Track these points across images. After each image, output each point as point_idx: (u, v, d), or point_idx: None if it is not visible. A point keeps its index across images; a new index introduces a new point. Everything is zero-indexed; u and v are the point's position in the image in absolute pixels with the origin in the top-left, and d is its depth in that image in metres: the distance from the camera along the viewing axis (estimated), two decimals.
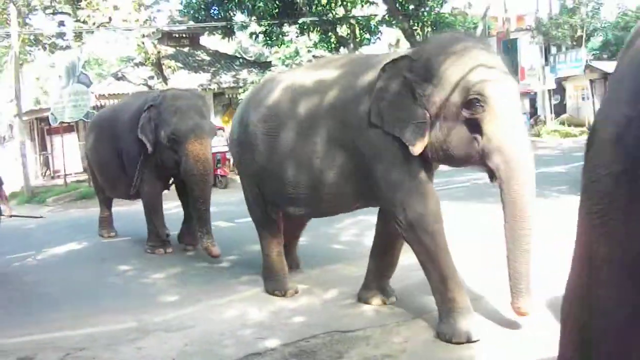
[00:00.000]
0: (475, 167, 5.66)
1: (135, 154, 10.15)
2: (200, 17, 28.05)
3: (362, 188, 6.23)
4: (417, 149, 5.54)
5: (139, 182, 10.38)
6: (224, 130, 22.64)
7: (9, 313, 7.65)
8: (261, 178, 7.17)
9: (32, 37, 27.19)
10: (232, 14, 28.66)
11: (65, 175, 23.83)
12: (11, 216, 10.16)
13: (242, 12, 28.66)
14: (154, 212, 10.46)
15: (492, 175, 5.35)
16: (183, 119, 9.47)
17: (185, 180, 9.62)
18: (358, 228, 10.32)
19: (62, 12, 27.35)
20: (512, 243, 5.26)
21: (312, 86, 6.63)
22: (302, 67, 7.91)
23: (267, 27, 27.98)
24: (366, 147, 5.96)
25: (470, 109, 5.22)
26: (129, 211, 14.26)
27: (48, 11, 27.13)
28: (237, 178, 10.28)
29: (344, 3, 28.60)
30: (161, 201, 10.62)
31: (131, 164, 10.36)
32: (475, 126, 5.27)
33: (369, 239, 8.10)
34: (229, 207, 13.38)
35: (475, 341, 5.45)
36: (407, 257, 7.11)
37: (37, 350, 6.23)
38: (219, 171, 19.87)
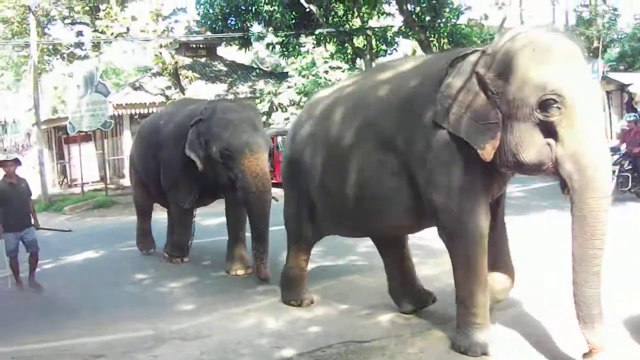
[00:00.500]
0: (549, 176, 5.16)
1: (174, 166, 9.75)
2: (217, 28, 28.19)
3: (416, 201, 5.73)
4: (487, 153, 5.07)
5: (173, 194, 10.08)
6: None
7: (27, 320, 7.71)
8: (314, 196, 6.79)
9: (50, 47, 27.43)
10: (249, 24, 28.80)
11: (83, 183, 23.98)
12: (39, 228, 9.82)
13: (259, 23, 28.79)
14: (182, 226, 10.25)
15: (565, 186, 4.86)
16: (236, 132, 8.83)
17: (242, 198, 8.87)
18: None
19: (80, 22, 27.61)
20: (580, 264, 4.76)
21: (365, 93, 6.27)
22: (353, 77, 7.39)
23: (284, 38, 28.04)
24: (424, 150, 5.48)
25: (545, 110, 4.72)
26: None
27: (67, 21, 27.41)
28: None
29: (361, 14, 28.65)
30: (192, 217, 10.43)
31: (167, 174, 10.08)
32: (550, 130, 4.78)
33: None
34: None
35: (489, 356, 5.43)
36: (419, 269, 7.14)
37: (55, 356, 6.30)
38: None
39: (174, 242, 10.35)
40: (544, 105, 4.71)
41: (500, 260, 5.80)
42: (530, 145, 4.87)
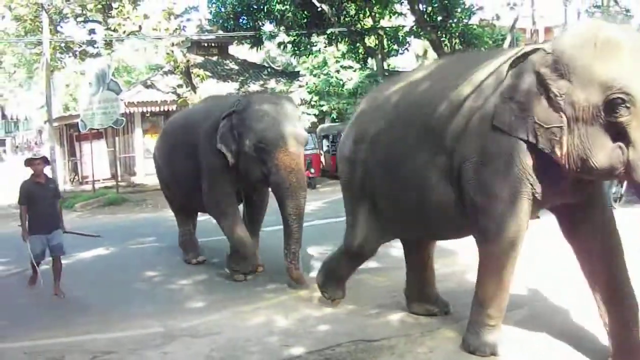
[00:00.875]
0: (622, 180, 4.92)
1: (217, 166, 8.93)
2: (229, 27, 28.19)
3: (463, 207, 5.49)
4: (556, 158, 4.77)
5: (217, 197, 9.20)
6: None
7: (38, 316, 7.77)
8: (376, 198, 6.37)
9: (63, 45, 27.53)
10: (260, 23, 28.78)
11: (94, 181, 24.05)
12: (65, 232, 9.16)
13: (271, 22, 28.77)
14: (236, 232, 9.09)
15: None
16: (272, 125, 8.40)
17: (276, 194, 8.50)
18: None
19: (93, 20, 27.72)
20: None
21: (428, 90, 5.87)
22: (414, 72, 6.79)
23: (296, 37, 28.02)
24: (481, 153, 5.21)
25: (613, 111, 4.39)
26: (158, 217, 14.37)
27: (79, 19, 27.50)
28: None
29: (372, 14, 28.58)
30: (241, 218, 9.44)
31: (211, 176, 9.20)
32: (619, 132, 4.44)
33: (395, 250, 8.14)
34: None
35: (498, 357, 5.42)
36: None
37: (65, 352, 6.35)
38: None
39: (235, 254, 9.16)
40: (611, 105, 4.40)
41: (618, 290, 5.19)
42: (600, 149, 4.54)
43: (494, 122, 5.06)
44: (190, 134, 9.59)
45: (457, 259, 8.78)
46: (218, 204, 9.24)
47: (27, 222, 8.69)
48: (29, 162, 8.81)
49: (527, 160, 4.98)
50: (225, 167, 8.78)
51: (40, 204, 8.72)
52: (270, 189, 8.92)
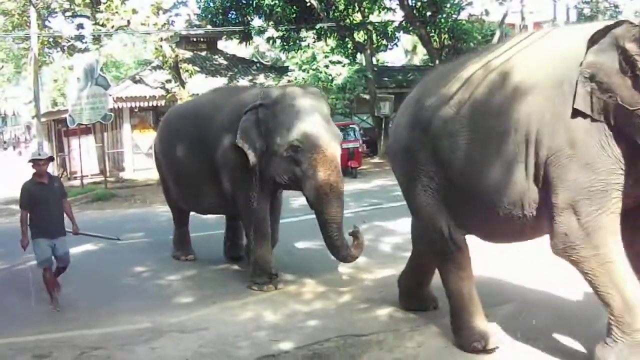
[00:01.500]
0: None
1: (238, 164, 8.04)
2: (217, 22, 28.15)
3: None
4: None
5: (243, 200, 8.21)
6: None
7: (25, 312, 7.73)
8: (446, 193, 5.47)
9: (51, 40, 27.40)
10: (249, 18, 28.76)
11: (82, 176, 23.94)
12: (77, 234, 8.50)
13: (260, 17, 28.75)
14: (262, 238, 8.22)
15: None
16: (309, 122, 7.55)
17: (311, 199, 7.56)
18: (373, 234, 10.30)
19: (81, 15, 27.59)
20: None
21: (500, 75, 5.09)
22: (482, 52, 5.84)
23: (285, 32, 28.01)
24: (562, 143, 4.54)
25: None
26: (147, 213, 14.32)
27: (67, 14, 27.38)
28: None
29: (361, 9, 28.62)
30: (269, 224, 8.39)
31: (229, 175, 8.33)
32: None
33: (384, 245, 8.18)
34: None
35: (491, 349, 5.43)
36: None
37: (53, 348, 6.32)
38: None
39: (257, 262, 8.24)
40: None
41: None
42: None
43: (574, 105, 4.48)
44: (200, 127, 8.77)
45: None
46: (251, 207, 8.14)
47: (28, 228, 7.89)
48: (33, 163, 8.00)
49: (616, 149, 4.40)
50: (245, 165, 7.89)
51: (45, 206, 7.87)
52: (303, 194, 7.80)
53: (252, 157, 7.78)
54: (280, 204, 9.14)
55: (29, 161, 8.10)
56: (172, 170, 9.62)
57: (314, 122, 7.60)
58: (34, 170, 8.00)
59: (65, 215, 8.24)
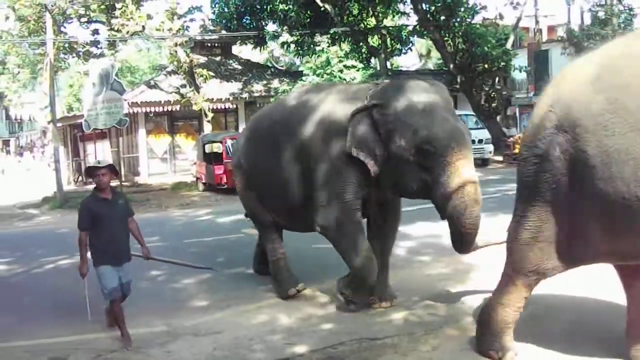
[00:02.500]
0: None
1: (341, 173, 6.87)
2: (232, 27, 28.26)
3: None
4: None
5: (337, 213, 6.95)
6: None
7: (42, 314, 7.77)
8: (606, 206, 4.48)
9: (66, 45, 27.56)
10: (263, 23, 28.86)
11: None
12: (149, 258, 7.10)
13: (274, 22, 28.85)
14: (358, 248, 6.93)
15: None
16: (439, 120, 6.32)
17: (444, 208, 6.23)
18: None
19: (96, 21, 27.71)
20: None
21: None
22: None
23: (299, 37, 28.10)
24: None
25: None
26: (162, 217, 14.35)
27: (83, 20, 27.49)
28: None
29: (376, 13, 28.64)
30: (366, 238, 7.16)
31: (330, 187, 6.97)
32: None
33: (398, 249, 8.14)
34: None
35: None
36: (432, 268, 7.15)
37: (69, 351, 6.37)
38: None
39: (355, 277, 7.01)
40: None
41: None
42: None
43: None
44: (293, 134, 7.44)
45: (457, 258, 8.73)
46: (339, 222, 6.98)
47: (88, 252, 6.68)
48: (91, 172, 6.78)
49: None
50: (350, 173, 6.81)
51: (108, 227, 6.58)
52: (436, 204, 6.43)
53: (372, 166, 6.56)
54: (398, 217, 7.58)
55: (86, 170, 6.87)
56: (266, 184, 7.94)
57: (443, 119, 6.37)
58: (94, 183, 6.80)
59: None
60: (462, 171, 6.07)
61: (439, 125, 6.25)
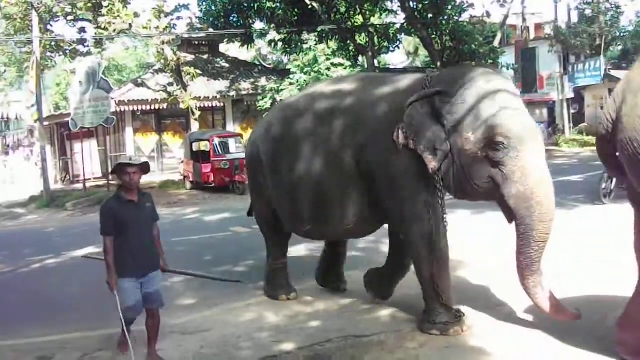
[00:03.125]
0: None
1: (410, 171, 6.13)
2: (219, 25, 28.17)
3: None
4: None
5: (412, 218, 6.21)
6: (242, 137, 22.83)
7: (28, 314, 7.76)
8: None
9: (53, 44, 27.44)
10: (251, 21, 28.77)
11: (85, 180, 23.97)
12: (166, 271, 6.37)
13: (261, 20, 28.75)
14: (441, 264, 6.23)
15: None
16: (511, 112, 5.68)
17: (515, 209, 5.64)
18: (375, 235, 10.27)
19: (83, 19, 27.59)
20: None
21: None
22: None
23: (286, 35, 28.05)
24: None
25: None
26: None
27: (69, 18, 27.36)
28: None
29: (363, 11, 28.60)
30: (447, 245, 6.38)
31: (404, 186, 6.21)
32: None
33: (384, 247, 8.15)
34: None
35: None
36: None
37: (56, 350, 6.36)
38: (237, 177, 20.06)
39: (434, 297, 6.23)
40: None
41: None
42: None
43: None
44: (332, 126, 6.70)
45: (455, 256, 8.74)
46: (423, 225, 6.16)
47: (114, 260, 5.88)
48: (119, 170, 5.86)
49: None
50: (416, 172, 6.07)
51: (134, 232, 5.88)
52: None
53: (431, 161, 5.85)
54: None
55: (115, 168, 5.93)
56: (295, 182, 7.03)
57: (515, 109, 5.76)
58: (120, 182, 6.02)
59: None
60: (537, 167, 5.60)
61: (515, 117, 5.66)
